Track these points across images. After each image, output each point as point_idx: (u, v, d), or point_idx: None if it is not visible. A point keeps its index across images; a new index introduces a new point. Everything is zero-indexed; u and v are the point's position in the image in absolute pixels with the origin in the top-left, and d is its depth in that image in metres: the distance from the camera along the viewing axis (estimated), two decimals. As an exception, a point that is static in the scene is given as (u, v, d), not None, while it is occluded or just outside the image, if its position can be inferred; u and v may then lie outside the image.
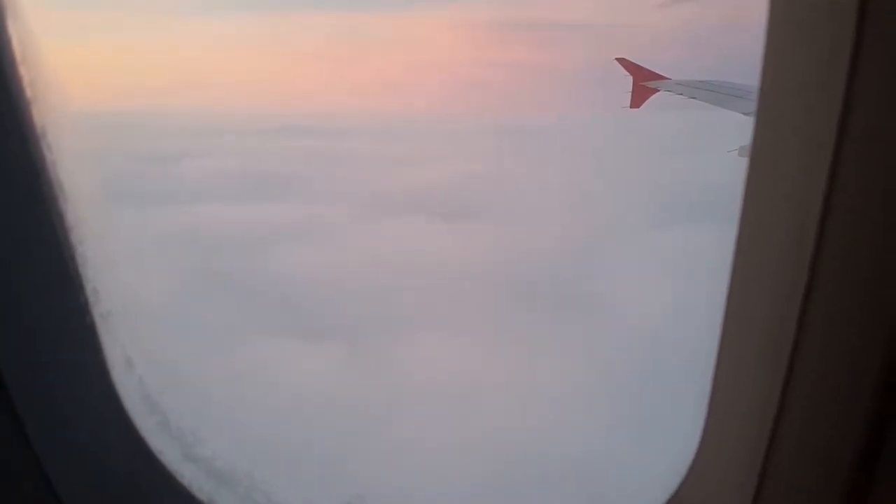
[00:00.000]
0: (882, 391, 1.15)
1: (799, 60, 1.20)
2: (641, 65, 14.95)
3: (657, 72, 14.77)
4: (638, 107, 14.84)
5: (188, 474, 1.67)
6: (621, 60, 15.23)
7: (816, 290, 1.18)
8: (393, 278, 20.97)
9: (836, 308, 1.19)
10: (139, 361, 1.64)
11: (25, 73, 1.26)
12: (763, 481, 1.32)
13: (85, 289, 1.45)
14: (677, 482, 1.58)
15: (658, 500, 1.61)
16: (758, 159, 1.30)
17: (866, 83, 1.07)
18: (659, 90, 14.58)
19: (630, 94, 14.77)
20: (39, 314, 1.43)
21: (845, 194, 1.13)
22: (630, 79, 14.80)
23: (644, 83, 14.70)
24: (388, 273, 21.33)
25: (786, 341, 1.23)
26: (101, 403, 1.54)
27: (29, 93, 1.28)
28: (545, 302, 19.11)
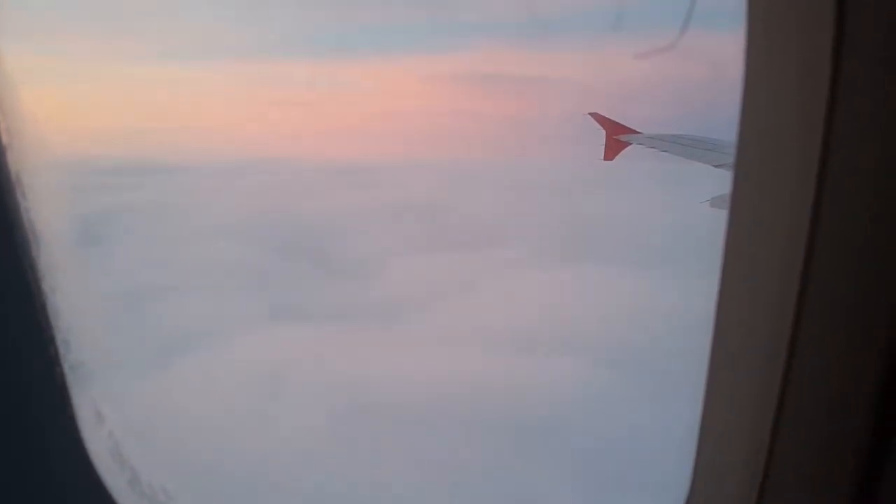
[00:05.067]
0: (884, 391, 1.16)
1: (774, 115, 1.23)
2: (615, 119, 15.33)
3: (629, 126, 15.16)
4: (611, 159, 15.15)
5: None
6: (594, 115, 15.61)
7: (810, 294, 1.20)
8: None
9: (830, 315, 1.20)
10: (109, 415, 1.59)
11: (1, 119, 1.25)
12: (765, 484, 1.31)
13: (56, 339, 1.41)
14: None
15: None
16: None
17: (841, 141, 1.11)
18: (631, 143, 14.94)
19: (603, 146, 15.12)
20: (7, 365, 1.38)
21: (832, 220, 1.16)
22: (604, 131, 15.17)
23: (617, 136, 15.05)
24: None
25: (780, 350, 1.24)
26: (70, 458, 1.47)
27: (4, 139, 1.26)
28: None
